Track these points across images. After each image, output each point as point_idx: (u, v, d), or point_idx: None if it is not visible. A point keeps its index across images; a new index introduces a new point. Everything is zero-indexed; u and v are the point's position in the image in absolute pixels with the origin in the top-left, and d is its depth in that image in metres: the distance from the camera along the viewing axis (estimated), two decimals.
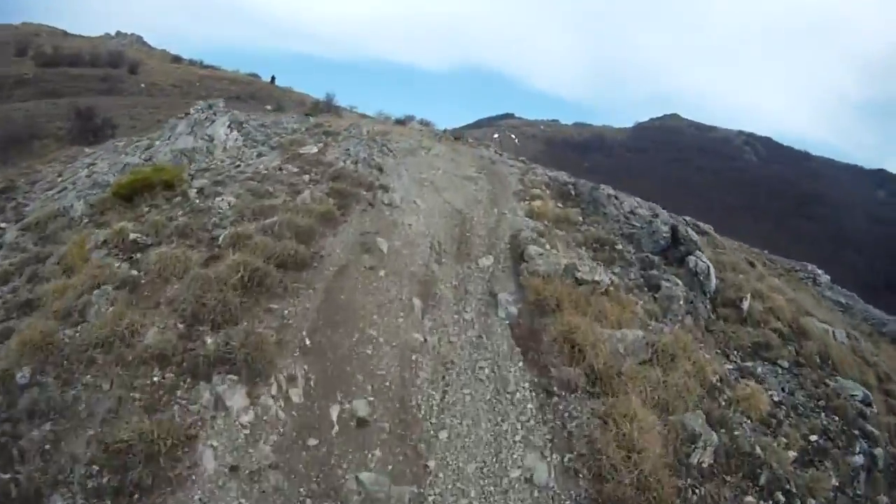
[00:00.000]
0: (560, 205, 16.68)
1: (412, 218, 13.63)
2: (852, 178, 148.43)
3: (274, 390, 7.73)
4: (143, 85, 40.25)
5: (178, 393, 7.31)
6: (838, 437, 10.04)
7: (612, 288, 11.66)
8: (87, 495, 6.18)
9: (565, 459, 7.94)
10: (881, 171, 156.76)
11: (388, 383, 8.76)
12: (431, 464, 7.82)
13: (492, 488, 7.60)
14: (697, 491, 7.83)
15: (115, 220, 11.78)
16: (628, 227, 15.58)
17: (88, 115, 30.72)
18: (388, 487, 7.23)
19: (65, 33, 61.62)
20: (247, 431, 7.15)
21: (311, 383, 8.22)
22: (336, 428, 7.82)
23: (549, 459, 7.96)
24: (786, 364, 11.92)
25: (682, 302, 12.34)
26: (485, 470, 7.82)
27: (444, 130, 23.82)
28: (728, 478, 8.27)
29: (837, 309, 21.12)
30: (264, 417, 7.40)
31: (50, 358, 7.61)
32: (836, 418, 10.54)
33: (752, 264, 19.07)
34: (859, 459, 9.62)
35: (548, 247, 12.85)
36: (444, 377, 9.28)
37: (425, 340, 9.91)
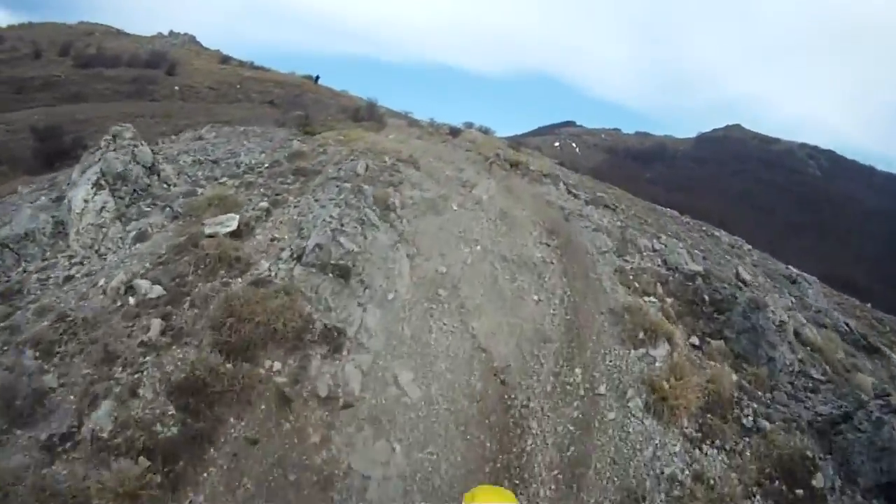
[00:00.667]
0: (694, 339, 10.62)
1: (380, 452, 7.57)
2: None
3: None
4: (176, 88, 37.19)
5: None
6: None
7: None
8: None
9: None
10: None
11: None
12: None
13: None
14: None
15: None
16: (818, 399, 9.76)
17: (50, 134, 25.65)
18: None
19: (118, 32, 60.33)
20: None
21: None
22: None
23: None
24: None
25: None
26: None
27: (497, 154, 19.92)
28: None
29: None
30: None
31: None
32: None
33: None
34: None
35: None
36: None
37: None
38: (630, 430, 8.45)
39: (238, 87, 41.54)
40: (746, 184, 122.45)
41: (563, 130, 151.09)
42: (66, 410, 7.07)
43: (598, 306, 10.87)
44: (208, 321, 8.20)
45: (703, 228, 26.30)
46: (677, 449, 8.27)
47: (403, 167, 14.79)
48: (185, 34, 62.20)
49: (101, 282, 9.11)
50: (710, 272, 14.09)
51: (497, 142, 45.04)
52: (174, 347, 7.86)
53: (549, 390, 8.81)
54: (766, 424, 8.68)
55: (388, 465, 7.46)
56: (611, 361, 9.65)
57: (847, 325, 16.58)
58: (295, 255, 9.73)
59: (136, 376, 7.47)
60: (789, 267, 23.65)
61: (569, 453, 8.06)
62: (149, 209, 11.68)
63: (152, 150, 13.48)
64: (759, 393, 9.47)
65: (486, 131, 59.16)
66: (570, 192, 18.37)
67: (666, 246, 15.01)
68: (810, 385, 10.17)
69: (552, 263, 12.04)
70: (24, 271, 10.22)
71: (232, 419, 7.27)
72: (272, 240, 10.45)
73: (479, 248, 11.74)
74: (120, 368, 7.57)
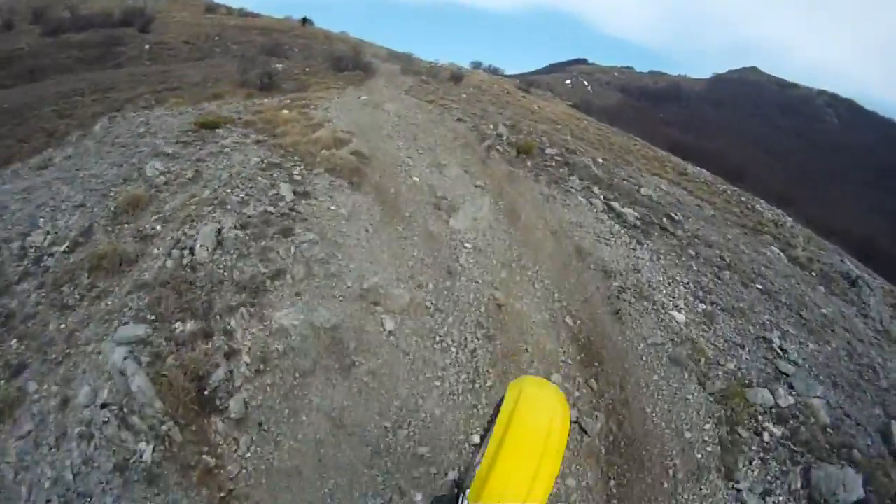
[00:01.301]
0: None
1: None
2: None
3: None
4: (147, 47, 32.21)
5: None
6: None
7: None
8: None
9: None
10: None
11: None
12: None
13: None
14: None
15: None
16: None
17: None
18: None
19: None
20: None
21: None
22: None
23: None
24: None
25: None
26: None
27: (498, 133, 15.94)
28: None
29: None
30: None
31: None
32: None
33: None
34: None
35: None
36: None
37: None
38: None
39: (217, 38, 36.54)
40: (762, 128, 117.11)
41: (575, 68, 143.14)
42: None
43: None
44: None
45: (743, 199, 22.47)
46: None
47: (324, 194, 9.51)
48: None
49: None
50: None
51: (505, 84, 41.18)
52: None
53: None
54: None
55: None
56: None
57: None
58: None
59: None
60: (845, 261, 19.84)
61: None
62: None
63: None
64: None
65: (494, 71, 54.70)
66: (611, 211, 12.19)
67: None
68: None
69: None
70: None
71: None
72: None
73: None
74: None
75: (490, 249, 9.40)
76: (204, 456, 5.53)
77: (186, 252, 7.40)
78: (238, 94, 18.50)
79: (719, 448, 6.80)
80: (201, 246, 7.42)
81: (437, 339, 7.12)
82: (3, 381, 6.41)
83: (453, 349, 7.03)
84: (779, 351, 8.95)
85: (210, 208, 8.29)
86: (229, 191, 8.86)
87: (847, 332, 11.03)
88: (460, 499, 2.16)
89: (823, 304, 12.46)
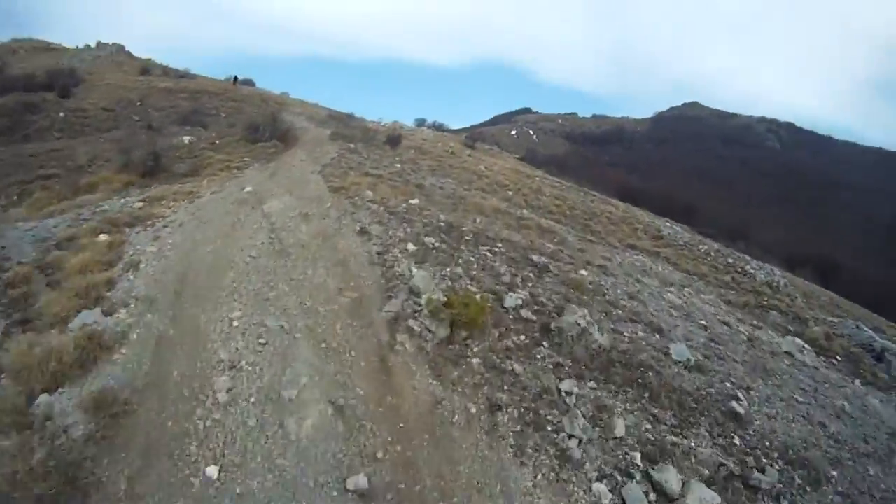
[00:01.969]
0: None
1: None
2: (875, 161, 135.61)
3: None
4: (61, 115, 28.23)
5: None
6: None
7: None
8: None
9: None
10: None
11: None
12: None
13: None
14: None
15: None
16: None
17: None
18: None
19: (47, 48, 50.39)
20: None
21: None
22: None
23: None
24: None
25: None
26: None
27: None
28: None
29: None
30: None
31: None
32: None
33: None
34: None
35: None
36: None
37: None
38: None
39: (139, 104, 32.96)
40: (706, 161, 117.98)
41: (520, 118, 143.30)
42: None
43: None
44: None
45: (730, 262, 19.68)
46: None
47: None
48: (114, 44, 53.53)
49: None
50: None
51: (450, 141, 37.88)
52: None
53: None
54: None
55: None
56: None
57: None
58: None
59: None
60: (861, 325, 16.88)
61: None
62: None
63: None
64: None
65: (439, 127, 51.81)
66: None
67: None
68: None
69: None
70: None
71: None
72: None
73: None
74: None
75: None
76: None
77: None
78: (115, 184, 14.75)
79: None
80: None
81: None
82: None
83: None
84: None
85: None
86: None
87: None
88: None
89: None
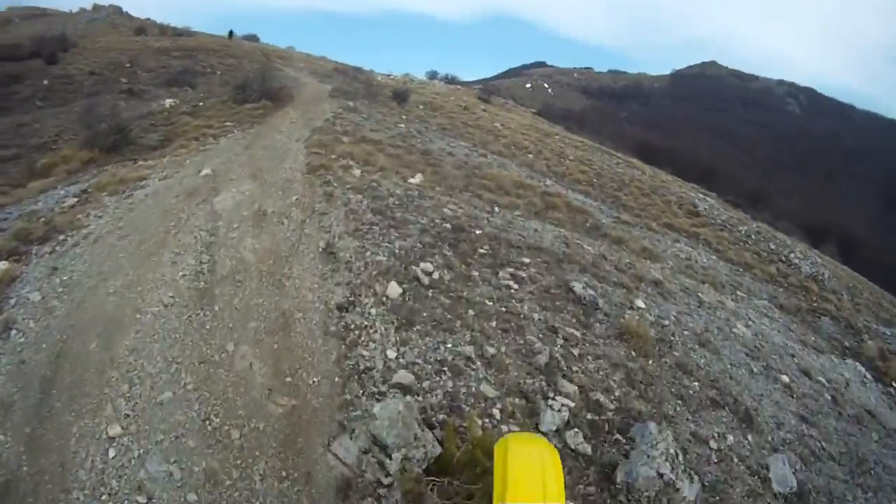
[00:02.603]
0: None
1: None
2: None
3: None
4: (45, 82, 25.43)
5: None
6: None
7: None
8: None
9: None
10: None
11: None
12: None
13: None
14: None
15: None
16: None
17: None
18: None
19: (44, 13, 47.37)
20: None
21: None
22: None
23: None
24: None
25: None
26: None
27: None
28: None
29: None
30: None
31: None
32: None
33: None
34: None
35: None
36: None
37: None
38: None
39: (128, 66, 30.13)
40: (725, 122, 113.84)
41: (535, 71, 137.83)
42: None
43: None
44: None
45: (772, 248, 17.50)
46: None
47: None
48: (110, 6, 50.67)
49: None
50: None
51: (464, 95, 35.39)
52: None
53: None
54: None
55: None
56: None
57: None
58: None
59: None
60: None
61: None
62: None
63: None
64: None
65: (452, 80, 48.70)
66: None
67: None
68: None
69: None
70: None
71: None
72: None
73: None
74: None
75: None
76: None
77: None
78: (74, 162, 12.35)
79: None
80: None
81: None
82: None
83: None
84: None
85: None
86: None
87: None
88: None
89: None
